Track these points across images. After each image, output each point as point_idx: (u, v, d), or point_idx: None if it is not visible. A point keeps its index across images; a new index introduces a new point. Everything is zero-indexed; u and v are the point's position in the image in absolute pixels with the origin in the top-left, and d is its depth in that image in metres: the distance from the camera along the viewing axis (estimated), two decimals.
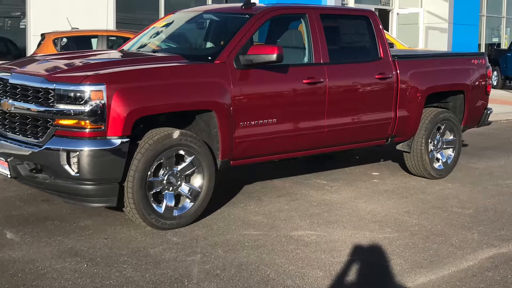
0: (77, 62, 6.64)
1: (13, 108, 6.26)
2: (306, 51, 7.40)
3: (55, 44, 13.08)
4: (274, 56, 6.53)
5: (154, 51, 7.59)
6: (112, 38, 14.01)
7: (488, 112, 9.43)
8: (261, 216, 6.79)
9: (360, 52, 8.18)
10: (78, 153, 5.75)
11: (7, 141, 6.34)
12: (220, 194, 7.19)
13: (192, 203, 6.40)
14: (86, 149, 5.75)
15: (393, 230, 6.43)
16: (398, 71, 8.02)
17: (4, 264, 5.24)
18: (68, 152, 5.78)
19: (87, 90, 5.74)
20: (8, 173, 6.28)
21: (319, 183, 8.23)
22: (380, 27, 8.11)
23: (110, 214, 6.61)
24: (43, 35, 13.53)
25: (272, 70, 6.89)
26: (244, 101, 6.64)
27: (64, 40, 13.44)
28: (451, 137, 8.85)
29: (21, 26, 16.73)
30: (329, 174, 8.77)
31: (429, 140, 8.52)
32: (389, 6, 24.53)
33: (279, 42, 7.70)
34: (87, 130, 5.78)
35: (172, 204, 6.28)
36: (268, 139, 6.93)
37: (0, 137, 6.50)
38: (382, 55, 8.00)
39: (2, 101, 6.43)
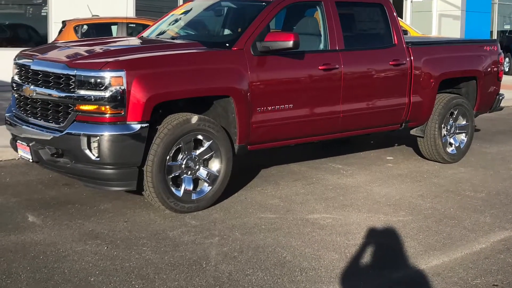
0: (98, 48, 6.61)
1: (34, 94, 6.24)
2: (322, 38, 7.31)
3: (76, 31, 13.08)
4: (290, 43, 6.46)
5: (173, 38, 7.53)
6: (132, 25, 13.98)
7: (500, 97, 9.32)
8: (277, 199, 6.75)
9: (375, 39, 8.08)
10: (98, 138, 5.73)
11: (29, 126, 6.33)
12: (238, 178, 7.13)
13: (210, 187, 6.36)
14: (107, 134, 5.73)
15: (407, 213, 6.37)
16: (411, 58, 7.92)
17: (26, 246, 5.23)
18: (89, 137, 5.76)
19: (107, 76, 5.70)
20: (30, 157, 6.28)
21: (335, 167, 8.18)
22: (394, 14, 8.01)
23: (129, 197, 6.59)
24: (64, 22, 13.52)
25: (288, 57, 6.82)
26: (261, 87, 6.58)
27: (85, 27, 13.43)
28: (464, 122, 8.75)
29: (42, 14, 16.75)
30: (344, 158, 8.71)
31: (442, 125, 8.43)
32: None
33: (295, 29, 7.63)
34: (107, 116, 5.76)
35: (191, 188, 6.24)
36: (284, 124, 6.87)
37: (22, 122, 6.49)
38: (396, 42, 7.90)
39: (24, 87, 6.42)
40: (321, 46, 7.33)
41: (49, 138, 6.01)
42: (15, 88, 6.69)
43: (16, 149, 6.63)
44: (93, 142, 5.78)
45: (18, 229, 5.63)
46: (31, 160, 6.32)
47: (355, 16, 8.01)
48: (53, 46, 7.26)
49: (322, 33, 7.31)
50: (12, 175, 7.46)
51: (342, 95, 7.28)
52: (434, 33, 23.79)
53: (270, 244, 5.40)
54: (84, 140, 5.78)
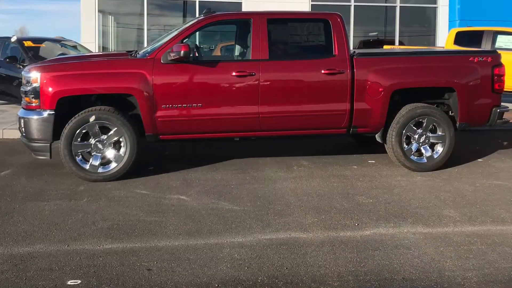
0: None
1: None
2: (247, 49, 8.42)
3: None
4: (182, 53, 7.85)
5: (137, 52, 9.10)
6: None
7: (499, 110, 8.89)
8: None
9: (309, 51, 8.76)
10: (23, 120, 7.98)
11: None
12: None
13: (116, 164, 8.03)
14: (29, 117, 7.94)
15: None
16: (354, 67, 8.41)
17: None
18: (20, 119, 8.04)
19: (31, 76, 7.90)
20: None
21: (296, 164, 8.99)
22: (341, 28, 8.48)
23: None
24: None
25: (200, 64, 8.18)
26: (163, 88, 7.99)
27: None
28: (440, 132, 8.75)
29: None
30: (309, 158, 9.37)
31: (402, 133, 8.59)
32: None
33: (238, 41, 8.80)
34: (33, 104, 7.94)
35: (97, 163, 8.00)
36: (194, 120, 8.10)
37: None
38: (336, 53, 8.44)
39: None
40: (246, 56, 8.42)
41: None
42: None
43: None
44: (21, 122, 8.03)
45: None
46: None
47: (292, 30, 8.79)
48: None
49: (248, 45, 8.40)
50: None
51: (260, 98, 8.21)
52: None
53: None
54: (20, 121, 8.07)
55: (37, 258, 5.25)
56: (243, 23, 8.80)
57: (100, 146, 8.01)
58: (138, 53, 8.66)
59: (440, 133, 8.74)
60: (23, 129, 8.05)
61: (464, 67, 8.78)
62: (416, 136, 8.71)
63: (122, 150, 8.05)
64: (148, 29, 21.69)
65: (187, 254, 5.36)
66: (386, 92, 8.48)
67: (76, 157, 7.97)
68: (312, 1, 22.27)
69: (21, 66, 13.60)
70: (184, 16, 22.22)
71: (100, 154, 8.04)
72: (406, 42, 23.27)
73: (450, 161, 8.89)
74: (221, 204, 6.90)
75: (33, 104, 7.93)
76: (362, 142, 10.76)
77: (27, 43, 14.73)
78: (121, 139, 8.02)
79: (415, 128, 8.70)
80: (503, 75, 8.90)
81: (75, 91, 7.94)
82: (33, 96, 7.90)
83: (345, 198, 7.21)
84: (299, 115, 8.39)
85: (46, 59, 12.25)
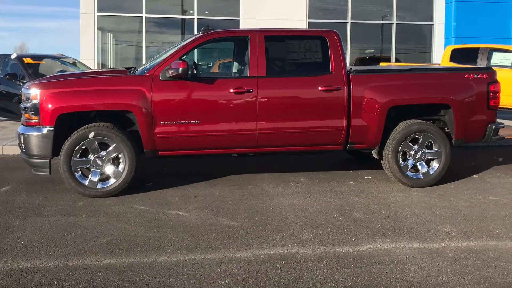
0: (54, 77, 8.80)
1: None
2: (244, 66, 8.47)
3: None
4: (180, 70, 7.89)
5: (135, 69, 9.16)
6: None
7: (494, 126, 8.94)
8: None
9: (306, 67, 8.81)
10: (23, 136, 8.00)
11: None
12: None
13: (115, 180, 8.06)
14: (28, 133, 7.96)
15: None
16: (350, 84, 8.46)
17: None
18: (20, 135, 8.06)
19: (31, 93, 7.94)
20: None
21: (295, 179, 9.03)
22: (338, 45, 8.56)
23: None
24: None
25: (198, 81, 8.19)
26: (162, 105, 8.02)
27: None
28: (436, 149, 8.81)
29: None
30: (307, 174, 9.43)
31: (399, 150, 8.64)
32: None
33: (236, 58, 8.87)
34: (33, 121, 7.97)
35: (96, 179, 8.03)
36: (191, 136, 8.13)
37: None
38: (333, 70, 8.49)
39: None
40: (244, 73, 8.48)
41: None
42: None
43: None
44: (21, 139, 8.05)
45: None
46: None
47: (289, 47, 8.83)
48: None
49: (246, 62, 8.46)
50: None
51: (258, 115, 8.25)
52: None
53: None
54: (20, 137, 8.08)
55: (37, 273, 5.27)
56: (241, 40, 8.87)
57: (99, 162, 8.04)
58: (137, 70, 8.69)
59: (436, 149, 8.79)
60: (23, 145, 8.07)
61: (459, 84, 8.82)
62: (412, 152, 8.75)
63: (121, 166, 8.08)
64: (146, 46, 21.82)
65: (186, 269, 5.38)
66: (383, 108, 8.53)
67: (76, 173, 8.00)
68: (309, 18, 22.43)
69: (21, 83, 13.66)
70: (183, 33, 22.35)
71: (99, 170, 8.07)
72: (402, 59, 23.41)
73: (446, 177, 8.95)
74: (219, 220, 6.93)
75: (33, 121, 7.96)
76: (359, 158, 10.80)
77: (27, 60, 14.81)
78: (120, 155, 8.06)
79: (411, 145, 8.74)
80: (498, 92, 8.96)
81: (74, 107, 7.96)
82: (32, 112, 7.93)
83: (341, 213, 7.23)
84: (296, 131, 8.41)
85: (45, 76, 12.30)
